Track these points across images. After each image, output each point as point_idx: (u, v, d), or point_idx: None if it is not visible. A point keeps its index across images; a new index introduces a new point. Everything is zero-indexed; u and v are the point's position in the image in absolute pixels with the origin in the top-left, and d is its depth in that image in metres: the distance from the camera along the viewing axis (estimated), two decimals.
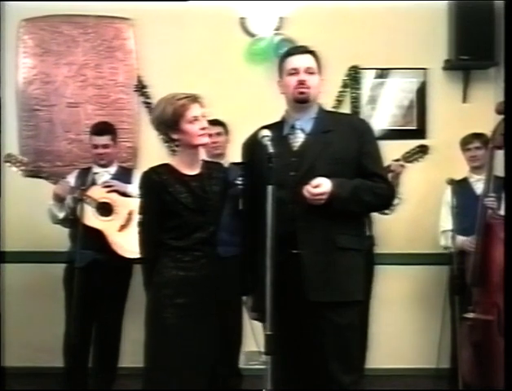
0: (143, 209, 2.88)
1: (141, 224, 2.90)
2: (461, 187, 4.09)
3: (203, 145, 2.86)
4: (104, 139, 4.03)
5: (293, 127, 2.79)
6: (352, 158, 2.73)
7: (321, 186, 2.60)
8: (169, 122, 2.78)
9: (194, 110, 2.78)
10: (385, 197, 2.80)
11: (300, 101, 2.76)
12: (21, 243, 4.57)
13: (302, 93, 2.74)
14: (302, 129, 2.78)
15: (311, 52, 2.80)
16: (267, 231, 2.39)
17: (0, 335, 3.93)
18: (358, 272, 2.78)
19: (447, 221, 4.07)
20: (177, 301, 2.75)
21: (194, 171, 2.85)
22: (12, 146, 4.60)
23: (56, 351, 4.01)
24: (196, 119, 2.77)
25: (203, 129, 2.79)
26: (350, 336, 2.71)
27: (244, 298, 2.97)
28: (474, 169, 4.17)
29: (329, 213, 2.63)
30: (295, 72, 2.75)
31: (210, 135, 2.98)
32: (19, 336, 4.52)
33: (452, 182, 3.97)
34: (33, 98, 4.72)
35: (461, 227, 3.88)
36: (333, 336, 2.66)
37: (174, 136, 2.81)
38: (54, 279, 4.09)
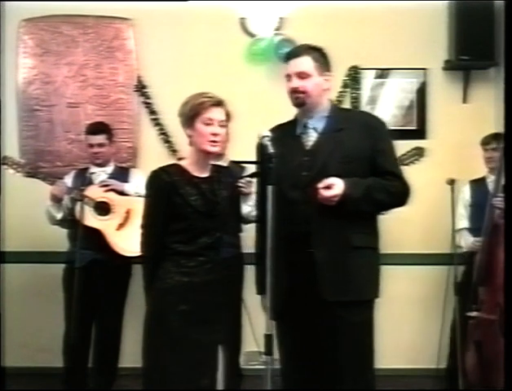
0: (149, 210, 2.79)
1: (145, 226, 2.81)
2: (478, 186, 4.12)
3: (210, 153, 2.75)
4: (99, 138, 4.04)
5: (305, 126, 2.77)
6: (365, 156, 2.70)
7: (333, 187, 2.58)
8: (186, 117, 2.74)
9: (212, 112, 2.70)
10: (399, 195, 2.76)
11: (296, 106, 2.77)
12: (21, 243, 4.57)
13: (296, 98, 2.74)
14: (315, 128, 2.76)
15: (310, 52, 2.75)
16: (269, 232, 2.38)
17: (0, 335, 3.92)
18: (373, 270, 2.77)
19: (461, 220, 4.07)
20: (181, 308, 2.70)
21: (204, 173, 2.79)
22: (12, 146, 4.61)
23: (56, 351, 4.01)
24: (211, 122, 2.70)
25: (214, 134, 2.70)
26: (365, 334, 2.71)
27: (260, 298, 2.95)
28: (492, 170, 4.15)
29: (343, 213, 2.62)
30: (289, 78, 2.75)
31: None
32: (19, 336, 4.52)
33: (452, 182, 3.97)
34: (33, 99, 4.71)
35: (476, 227, 3.89)
36: (348, 335, 2.65)
37: (188, 132, 2.76)
38: (54, 279, 4.08)
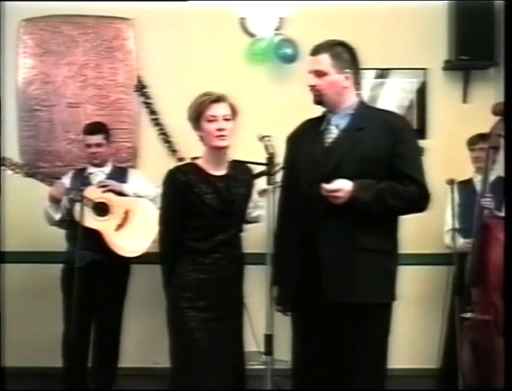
0: (166, 209, 2.85)
1: (162, 224, 2.86)
2: (465, 187, 4.12)
3: (219, 148, 2.79)
4: (97, 138, 4.03)
5: (328, 123, 2.75)
6: (383, 158, 2.63)
7: (339, 192, 2.55)
8: (193, 119, 2.79)
9: (214, 109, 2.74)
10: (413, 201, 2.68)
11: (315, 103, 2.76)
12: (21, 243, 4.57)
13: (314, 95, 2.74)
14: (337, 126, 2.72)
15: (330, 49, 2.71)
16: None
17: (0, 335, 3.92)
18: (383, 274, 2.70)
19: (451, 220, 4.08)
20: (198, 304, 2.74)
21: (220, 171, 2.82)
22: (12, 146, 4.61)
23: (56, 351, 4.01)
24: (214, 118, 2.74)
25: (220, 130, 2.73)
26: (373, 337, 2.67)
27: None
28: (479, 170, 4.16)
29: (354, 214, 2.59)
30: (309, 75, 2.75)
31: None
32: (19, 336, 4.52)
33: (451, 182, 3.97)
34: (33, 99, 4.71)
35: (464, 227, 3.92)
36: (355, 337, 2.64)
37: (198, 133, 2.80)
38: (53, 279, 4.08)
